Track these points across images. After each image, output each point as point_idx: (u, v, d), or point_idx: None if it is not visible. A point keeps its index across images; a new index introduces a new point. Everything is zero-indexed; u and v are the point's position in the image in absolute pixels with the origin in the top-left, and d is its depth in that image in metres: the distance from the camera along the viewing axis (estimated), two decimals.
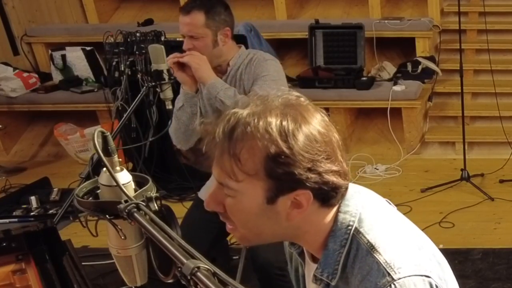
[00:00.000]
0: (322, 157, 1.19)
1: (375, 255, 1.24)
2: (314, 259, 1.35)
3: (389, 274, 1.21)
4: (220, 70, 2.76)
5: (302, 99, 1.25)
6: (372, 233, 1.27)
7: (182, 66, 2.67)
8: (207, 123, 1.24)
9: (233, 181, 1.19)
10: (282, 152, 1.16)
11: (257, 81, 2.69)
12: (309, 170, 1.18)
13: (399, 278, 1.21)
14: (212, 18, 2.68)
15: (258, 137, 1.16)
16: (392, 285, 1.20)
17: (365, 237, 1.26)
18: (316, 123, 1.21)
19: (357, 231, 1.27)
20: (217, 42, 2.71)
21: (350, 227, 1.27)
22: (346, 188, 1.28)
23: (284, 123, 1.17)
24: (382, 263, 1.23)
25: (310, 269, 1.35)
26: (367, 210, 1.30)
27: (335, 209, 1.29)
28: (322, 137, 1.20)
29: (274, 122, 1.17)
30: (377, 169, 4.89)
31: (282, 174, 1.17)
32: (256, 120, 1.17)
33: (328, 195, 1.24)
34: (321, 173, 1.20)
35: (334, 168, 1.21)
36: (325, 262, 1.29)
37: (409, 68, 5.30)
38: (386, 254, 1.24)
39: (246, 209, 1.22)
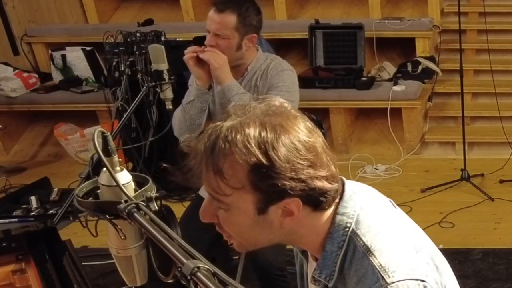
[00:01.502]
0: (305, 164, 1.19)
1: (370, 258, 1.24)
2: (316, 258, 1.35)
3: (383, 277, 1.21)
4: (237, 72, 2.74)
5: (285, 104, 1.24)
6: (368, 235, 1.27)
7: (199, 61, 2.64)
8: (190, 139, 1.24)
9: (222, 196, 1.20)
10: (263, 165, 1.16)
11: (272, 90, 2.67)
12: (292, 179, 1.18)
13: (393, 282, 1.21)
14: (243, 23, 2.65)
15: (238, 152, 1.15)
16: None
17: (361, 239, 1.26)
18: (297, 130, 1.20)
19: (354, 233, 1.27)
20: (241, 46, 2.68)
21: (347, 229, 1.27)
22: (336, 191, 1.27)
23: (263, 134, 1.16)
24: (377, 266, 1.23)
25: (312, 267, 1.36)
26: (365, 211, 1.30)
27: (331, 210, 1.29)
28: (303, 145, 1.19)
29: (252, 134, 1.16)
30: (377, 169, 4.89)
31: (266, 186, 1.17)
32: (234, 134, 1.16)
33: (317, 200, 1.23)
34: (305, 180, 1.19)
35: (319, 173, 1.21)
36: (323, 263, 1.29)
37: (409, 68, 5.30)
38: (381, 257, 1.24)
39: (238, 221, 1.23)
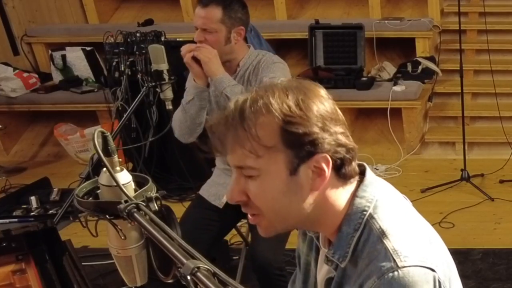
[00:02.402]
0: (331, 119, 1.25)
1: (384, 241, 1.26)
2: (329, 245, 1.37)
3: (394, 260, 1.23)
4: (229, 68, 2.75)
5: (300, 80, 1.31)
6: (385, 221, 1.29)
7: (196, 59, 2.65)
8: (214, 115, 1.28)
9: (253, 159, 1.22)
10: (296, 114, 1.21)
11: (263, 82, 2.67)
12: (322, 130, 1.23)
13: (404, 267, 1.22)
14: (229, 15, 2.67)
15: (270, 109, 1.21)
16: (396, 272, 1.22)
17: (378, 223, 1.29)
18: (321, 94, 1.27)
19: (371, 216, 1.30)
20: (229, 40, 2.69)
21: (365, 212, 1.30)
22: (356, 155, 1.31)
23: (291, 94, 1.23)
24: (390, 250, 1.25)
25: (323, 254, 1.38)
26: (384, 198, 1.33)
27: (351, 191, 1.32)
28: (328, 104, 1.26)
29: (282, 94, 1.23)
30: (377, 169, 4.89)
31: (299, 136, 1.21)
32: (265, 96, 1.22)
33: (344, 159, 1.27)
34: (333, 134, 1.25)
35: (343, 130, 1.27)
36: (338, 244, 1.31)
37: (409, 68, 5.30)
38: (396, 242, 1.26)
39: (271, 187, 1.24)
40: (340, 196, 1.31)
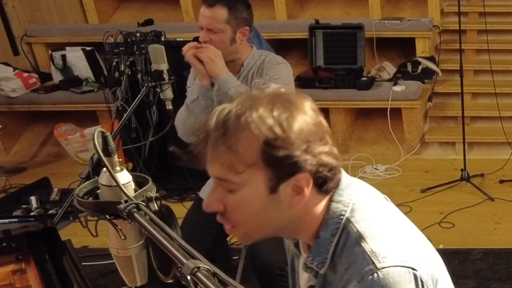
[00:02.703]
0: (315, 138, 1.22)
1: (362, 244, 1.25)
2: (309, 249, 1.35)
3: (373, 262, 1.22)
4: (233, 68, 2.74)
5: (282, 90, 1.27)
6: (362, 223, 1.28)
7: (199, 58, 2.65)
8: (197, 123, 1.25)
9: (233, 174, 1.20)
10: (278, 136, 1.18)
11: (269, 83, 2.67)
12: (305, 151, 1.20)
13: (383, 268, 1.21)
14: (234, 15, 2.67)
15: (253, 126, 1.17)
16: (375, 274, 1.21)
17: (355, 226, 1.27)
18: (305, 108, 1.23)
19: (348, 220, 1.28)
20: (234, 40, 2.69)
21: (341, 217, 1.29)
22: (340, 172, 1.30)
23: (275, 111, 1.19)
24: (368, 252, 1.23)
25: (303, 259, 1.36)
26: (361, 201, 1.31)
27: (328, 197, 1.30)
28: (312, 120, 1.23)
29: (266, 110, 1.19)
30: (377, 169, 4.89)
31: (280, 158, 1.19)
32: (248, 111, 1.18)
33: (325, 177, 1.25)
34: (316, 154, 1.21)
35: (326, 149, 1.24)
36: (316, 250, 1.30)
37: (409, 68, 5.30)
38: (374, 243, 1.25)
39: (250, 202, 1.22)
40: (319, 206, 1.29)
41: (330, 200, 1.30)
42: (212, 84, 2.68)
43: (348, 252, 1.26)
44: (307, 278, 1.35)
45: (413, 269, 1.23)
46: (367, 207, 1.31)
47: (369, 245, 1.24)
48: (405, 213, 1.40)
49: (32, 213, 4.23)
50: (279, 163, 1.19)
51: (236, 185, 1.21)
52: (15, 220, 4.14)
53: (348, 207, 1.29)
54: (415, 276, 1.23)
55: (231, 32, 2.68)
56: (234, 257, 3.52)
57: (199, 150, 1.22)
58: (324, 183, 1.26)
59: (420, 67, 5.25)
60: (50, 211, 4.22)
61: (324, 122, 1.26)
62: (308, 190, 1.23)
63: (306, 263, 1.31)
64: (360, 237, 1.26)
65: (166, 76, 2.76)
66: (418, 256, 1.27)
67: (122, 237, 1.27)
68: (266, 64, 2.74)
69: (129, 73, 4.54)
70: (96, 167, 2.46)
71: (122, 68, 4.59)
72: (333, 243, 1.28)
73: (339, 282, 1.26)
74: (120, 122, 3.13)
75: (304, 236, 1.35)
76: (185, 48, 2.67)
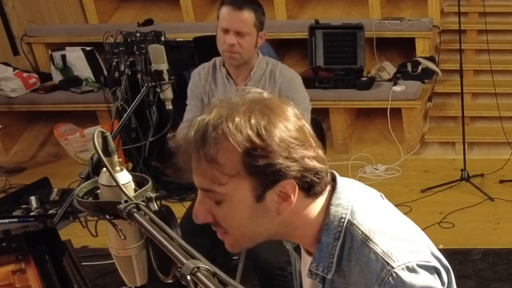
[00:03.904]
0: (296, 144, 1.20)
1: (370, 245, 1.25)
2: (310, 253, 1.35)
3: (388, 263, 1.22)
4: (242, 72, 2.77)
5: (264, 94, 1.25)
6: (366, 224, 1.27)
7: None
8: (176, 135, 1.24)
9: (217, 185, 1.19)
10: (257, 145, 1.16)
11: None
12: (287, 158, 1.18)
13: (399, 266, 1.22)
14: (259, 19, 2.70)
15: (231, 137, 1.15)
16: (394, 274, 1.21)
17: (359, 228, 1.27)
18: (285, 113, 1.22)
19: (350, 223, 1.28)
20: (257, 43, 2.73)
21: (343, 220, 1.28)
22: (327, 175, 1.28)
23: (253, 119, 1.17)
24: (380, 253, 1.23)
25: (306, 262, 1.36)
26: (359, 202, 1.31)
27: (323, 201, 1.29)
28: (293, 125, 1.21)
29: (242, 119, 1.16)
30: (377, 169, 4.89)
31: (262, 167, 1.17)
32: (225, 121, 1.16)
33: (312, 182, 1.24)
34: (299, 160, 1.20)
35: (310, 153, 1.22)
36: (320, 256, 1.29)
37: (409, 68, 5.30)
38: (382, 243, 1.25)
39: (237, 212, 1.21)
40: (311, 210, 1.28)
41: (329, 204, 1.29)
42: None
43: (357, 255, 1.26)
44: (311, 283, 1.34)
45: (426, 261, 1.25)
46: (367, 208, 1.31)
47: (378, 246, 1.24)
48: (405, 213, 1.41)
49: (32, 213, 4.22)
50: (261, 171, 1.17)
51: (221, 195, 1.20)
52: (15, 220, 4.14)
53: (348, 210, 1.28)
54: (432, 268, 1.25)
55: (256, 36, 2.71)
56: (234, 257, 3.51)
57: (182, 163, 1.21)
58: (311, 187, 1.24)
59: (420, 67, 5.25)
60: (50, 211, 4.21)
61: (306, 127, 1.24)
62: (294, 196, 1.22)
63: (310, 269, 1.31)
64: (366, 239, 1.25)
65: (166, 76, 2.76)
66: (425, 248, 1.29)
67: (122, 237, 1.27)
68: (278, 78, 2.77)
69: (129, 73, 4.54)
70: (96, 167, 2.45)
71: (122, 68, 4.59)
72: (337, 247, 1.27)
73: (355, 287, 1.26)
74: (120, 122, 3.12)
75: (302, 241, 1.34)
76: None
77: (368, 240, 1.25)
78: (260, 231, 1.26)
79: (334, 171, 1.33)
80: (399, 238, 1.27)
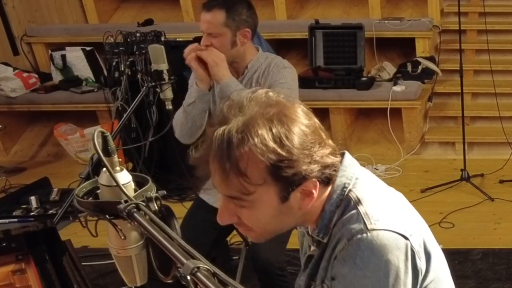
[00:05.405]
0: (315, 145, 1.26)
1: (358, 207, 1.30)
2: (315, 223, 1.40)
3: (364, 223, 1.27)
4: (236, 70, 2.73)
5: (270, 94, 1.29)
6: (363, 191, 1.33)
7: (201, 61, 2.62)
8: (198, 148, 1.28)
9: (245, 195, 1.24)
10: (282, 157, 1.21)
11: (273, 87, 2.65)
12: (309, 163, 1.24)
13: (373, 229, 1.25)
14: (232, 18, 2.63)
15: (257, 152, 1.20)
16: (364, 234, 1.25)
17: (354, 193, 1.33)
18: (299, 116, 1.26)
19: (350, 191, 1.33)
20: (235, 43, 2.66)
21: (345, 189, 1.34)
22: (340, 161, 1.35)
23: (274, 130, 1.21)
24: (362, 213, 1.28)
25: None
26: (363, 176, 1.37)
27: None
28: (309, 128, 1.26)
29: (264, 132, 1.21)
30: (377, 169, 4.89)
31: (287, 175, 1.23)
32: (248, 136, 1.20)
33: (330, 175, 1.31)
34: (319, 161, 1.26)
35: (327, 151, 1.28)
36: (322, 223, 1.35)
37: (409, 68, 5.30)
38: (369, 206, 1.30)
39: (263, 214, 1.27)
40: (325, 193, 1.34)
41: (335, 178, 1.35)
42: (210, 89, 2.67)
43: (346, 216, 1.31)
44: (312, 250, 1.41)
45: (404, 236, 1.27)
46: (369, 182, 1.37)
47: (364, 208, 1.29)
48: None
49: (32, 213, 4.23)
50: (287, 178, 1.24)
51: (248, 202, 1.26)
52: (15, 220, 4.14)
53: (352, 180, 1.34)
54: (406, 245, 1.26)
55: (231, 35, 2.64)
56: (234, 257, 3.52)
57: (202, 173, 1.27)
58: (330, 179, 1.32)
59: (420, 67, 5.25)
60: (50, 211, 4.22)
61: (317, 123, 1.29)
62: (316, 192, 1.28)
63: (312, 235, 1.37)
64: (358, 202, 1.31)
65: (166, 76, 2.76)
66: (413, 228, 1.31)
67: (122, 237, 1.27)
68: (273, 67, 2.72)
69: (129, 73, 4.54)
70: (96, 167, 2.45)
71: (122, 68, 4.59)
72: (336, 213, 1.33)
73: (332, 241, 1.31)
74: (120, 122, 3.12)
75: (311, 220, 1.38)
76: (186, 51, 2.66)
77: (359, 203, 1.31)
78: (283, 226, 1.33)
79: (345, 151, 1.39)
80: (389, 209, 1.32)
